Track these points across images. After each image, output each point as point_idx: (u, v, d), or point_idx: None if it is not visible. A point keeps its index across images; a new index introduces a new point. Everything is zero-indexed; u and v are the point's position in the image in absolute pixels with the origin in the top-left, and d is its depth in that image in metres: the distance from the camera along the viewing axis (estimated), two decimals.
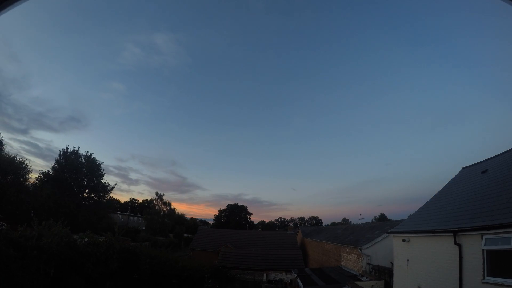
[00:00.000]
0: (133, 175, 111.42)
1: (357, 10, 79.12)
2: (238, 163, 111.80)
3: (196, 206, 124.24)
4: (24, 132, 79.23)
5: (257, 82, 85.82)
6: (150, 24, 61.23)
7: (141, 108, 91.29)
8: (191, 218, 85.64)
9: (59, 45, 74.51)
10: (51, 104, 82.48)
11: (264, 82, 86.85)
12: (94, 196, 42.60)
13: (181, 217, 71.26)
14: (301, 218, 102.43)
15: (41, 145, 77.44)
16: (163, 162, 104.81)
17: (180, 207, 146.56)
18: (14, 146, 60.23)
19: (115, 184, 48.76)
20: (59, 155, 40.53)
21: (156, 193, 66.01)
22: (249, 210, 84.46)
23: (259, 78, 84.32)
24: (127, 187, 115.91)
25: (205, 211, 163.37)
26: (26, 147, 72.30)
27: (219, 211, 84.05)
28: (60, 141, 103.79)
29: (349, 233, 25.24)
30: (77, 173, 40.03)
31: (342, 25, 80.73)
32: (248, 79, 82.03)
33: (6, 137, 69.01)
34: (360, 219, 34.86)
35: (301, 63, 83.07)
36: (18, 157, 35.57)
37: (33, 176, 38.42)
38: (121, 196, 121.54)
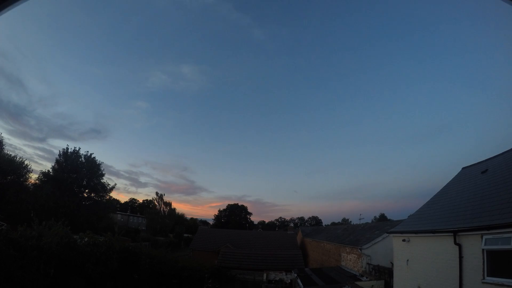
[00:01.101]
0: (142, 179, 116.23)
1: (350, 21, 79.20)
2: (243, 165, 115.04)
3: (200, 207, 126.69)
4: (41, 140, 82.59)
5: (266, 93, 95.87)
6: (179, 57, 74.58)
7: (161, 122, 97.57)
8: (191, 218, 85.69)
9: (90, 71, 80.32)
10: (74, 119, 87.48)
11: (273, 92, 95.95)
12: (94, 196, 42.57)
13: (181, 217, 71.27)
14: (301, 218, 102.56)
15: (55, 151, 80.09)
16: (175, 168, 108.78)
17: (184, 208, 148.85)
18: (28, 151, 61.57)
19: (115, 184, 48.90)
20: (59, 155, 40.52)
21: (156, 193, 66.15)
22: (252, 211, 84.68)
23: (268, 90, 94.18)
24: (135, 190, 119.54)
25: (209, 212, 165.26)
26: (40, 153, 75.30)
27: (219, 211, 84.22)
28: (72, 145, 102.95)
29: (349, 233, 25.24)
30: (77, 173, 40.00)
31: (341, 40, 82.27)
32: (258, 92, 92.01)
33: (21, 143, 74.31)
34: (360, 219, 34.76)
35: (305, 78, 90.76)
36: (18, 157, 35.60)
37: (33, 176, 38.48)
38: (123, 196, 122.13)
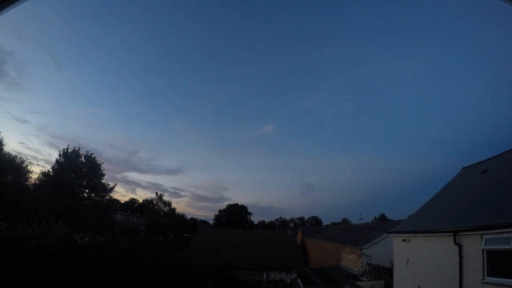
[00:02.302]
0: (181, 192, 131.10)
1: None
2: (259, 177, 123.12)
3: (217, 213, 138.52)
4: (117, 172, 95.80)
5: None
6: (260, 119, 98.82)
7: (226, 166, 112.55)
8: (191, 218, 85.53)
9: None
10: (158, 165, 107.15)
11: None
12: (94, 196, 42.51)
13: (181, 217, 71.22)
14: (301, 218, 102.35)
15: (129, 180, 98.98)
16: (212, 186, 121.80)
17: (202, 213, 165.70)
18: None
19: (115, 184, 48.71)
20: (59, 155, 40.47)
21: (156, 193, 66.14)
22: (263, 216, 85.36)
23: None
24: (169, 199, 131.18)
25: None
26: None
27: (219, 211, 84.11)
28: (141, 177, 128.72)
29: (349, 233, 25.27)
30: (77, 173, 39.97)
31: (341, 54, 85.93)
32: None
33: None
34: (360, 219, 34.71)
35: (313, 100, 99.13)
36: (18, 157, 35.59)
37: (33, 176, 38.43)
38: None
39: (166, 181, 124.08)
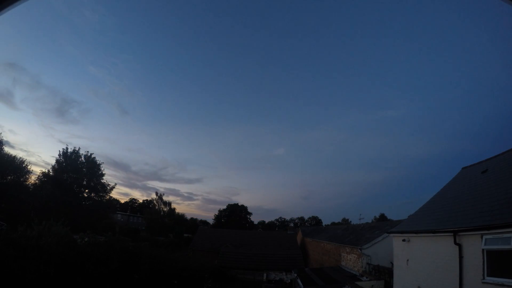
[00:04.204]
0: (194, 197, 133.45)
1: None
2: (265, 182, 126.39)
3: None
4: (140, 181, 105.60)
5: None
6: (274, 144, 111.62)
7: (238, 174, 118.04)
8: (191, 218, 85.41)
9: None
10: (180, 176, 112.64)
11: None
12: (94, 196, 42.52)
13: (181, 217, 71.13)
14: (301, 218, 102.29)
15: (149, 187, 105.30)
16: (227, 193, 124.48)
17: (211, 215, 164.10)
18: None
19: (115, 184, 48.73)
20: (59, 155, 40.47)
21: (156, 193, 65.95)
22: (262, 216, 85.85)
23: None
24: (182, 202, 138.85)
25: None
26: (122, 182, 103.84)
27: (219, 211, 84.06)
28: (160, 185, 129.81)
29: (349, 233, 25.27)
30: (77, 173, 39.97)
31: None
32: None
33: (121, 175, 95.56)
34: (360, 219, 34.65)
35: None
36: (18, 157, 35.58)
37: (33, 176, 38.42)
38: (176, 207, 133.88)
39: (182, 188, 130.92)
